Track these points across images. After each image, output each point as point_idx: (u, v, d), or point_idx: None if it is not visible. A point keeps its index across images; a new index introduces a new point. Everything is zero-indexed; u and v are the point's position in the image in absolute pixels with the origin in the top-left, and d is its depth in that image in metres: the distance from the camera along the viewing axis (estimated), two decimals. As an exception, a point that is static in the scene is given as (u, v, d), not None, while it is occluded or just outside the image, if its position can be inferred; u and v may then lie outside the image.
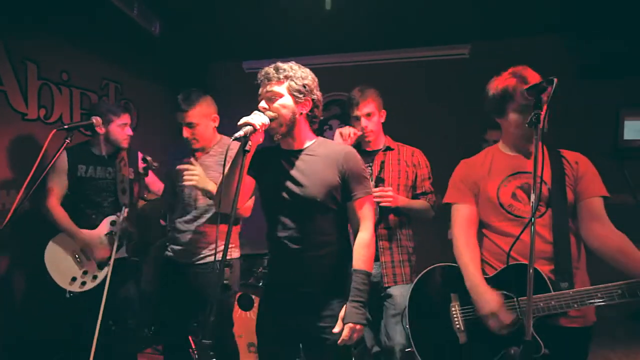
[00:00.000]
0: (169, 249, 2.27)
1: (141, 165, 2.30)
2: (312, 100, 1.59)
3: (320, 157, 1.58)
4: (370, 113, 2.19)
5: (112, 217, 2.38)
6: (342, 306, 1.54)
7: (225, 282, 2.13)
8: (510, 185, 1.53)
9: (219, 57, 4.32)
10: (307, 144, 1.63)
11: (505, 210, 1.51)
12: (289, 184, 1.56)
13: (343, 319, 1.50)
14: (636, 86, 3.66)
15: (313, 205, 1.54)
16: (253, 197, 2.07)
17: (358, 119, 2.20)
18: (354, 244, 1.60)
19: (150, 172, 2.46)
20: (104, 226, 2.37)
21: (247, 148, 1.40)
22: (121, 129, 2.42)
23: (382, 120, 2.28)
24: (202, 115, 2.13)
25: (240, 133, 1.39)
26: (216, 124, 2.25)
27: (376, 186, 2.12)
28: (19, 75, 2.61)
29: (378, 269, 2.14)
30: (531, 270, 1.06)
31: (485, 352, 1.43)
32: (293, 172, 1.57)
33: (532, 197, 1.12)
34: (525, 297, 1.25)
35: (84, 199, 2.36)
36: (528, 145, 1.53)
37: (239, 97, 3.68)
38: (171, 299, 2.27)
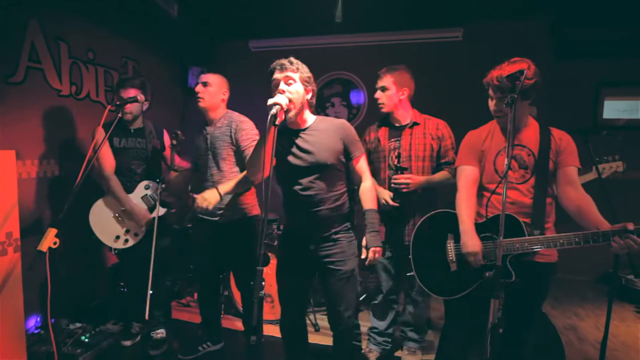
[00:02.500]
0: (197, 212, 2.58)
1: (173, 139, 2.53)
2: (313, 90, 1.95)
3: (323, 131, 1.95)
4: (385, 87, 2.47)
5: (146, 182, 2.66)
6: (349, 244, 2.00)
7: (251, 235, 2.51)
8: (505, 154, 1.82)
9: (227, 37, 4.51)
10: (310, 122, 1.98)
11: (498, 175, 1.86)
12: (302, 154, 1.92)
13: (366, 246, 1.94)
14: (615, 68, 3.95)
15: (324, 168, 1.91)
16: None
17: (376, 91, 2.52)
18: (359, 190, 2.03)
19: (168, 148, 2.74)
20: (140, 189, 2.65)
21: (277, 122, 1.71)
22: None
23: (403, 96, 2.47)
24: (216, 82, 2.51)
25: (273, 111, 1.71)
26: (225, 98, 2.57)
27: (396, 173, 2.38)
28: (53, 54, 2.85)
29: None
30: (502, 218, 1.41)
31: (470, 277, 1.84)
32: (303, 145, 1.93)
33: (505, 161, 1.45)
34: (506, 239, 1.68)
35: (119, 168, 2.62)
36: (520, 123, 1.86)
37: (246, 74, 3.91)
38: (206, 251, 2.61)
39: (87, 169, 1.86)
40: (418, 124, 2.49)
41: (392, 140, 2.51)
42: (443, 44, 4.17)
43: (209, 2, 3.60)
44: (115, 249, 2.59)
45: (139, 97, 2.39)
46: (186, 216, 3.13)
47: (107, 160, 2.55)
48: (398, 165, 2.39)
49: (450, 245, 1.93)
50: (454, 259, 1.91)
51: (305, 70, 1.90)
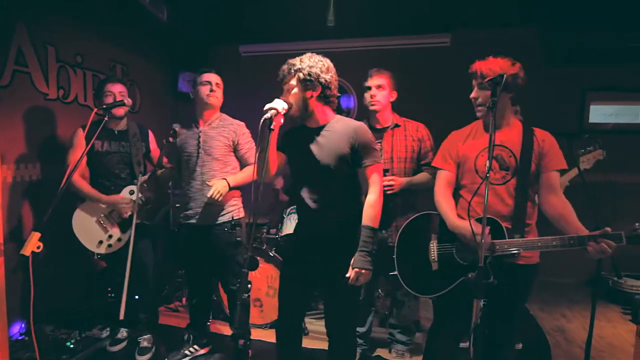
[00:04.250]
0: (182, 215, 2.58)
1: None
2: (321, 83, 1.83)
3: (336, 132, 1.87)
4: (380, 85, 2.46)
5: (130, 187, 2.63)
6: (353, 250, 1.85)
7: (238, 239, 2.51)
8: (486, 154, 1.81)
9: (218, 42, 4.52)
10: (325, 121, 1.90)
11: (479, 176, 1.87)
12: (309, 155, 1.89)
13: (352, 265, 1.81)
14: (601, 73, 4.03)
15: (328, 172, 1.85)
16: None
17: (368, 89, 2.48)
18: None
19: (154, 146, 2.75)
20: (124, 194, 2.61)
21: (272, 127, 1.71)
22: (109, 98, 2.55)
23: (392, 99, 2.50)
24: (222, 86, 2.61)
25: (267, 115, 1.70)
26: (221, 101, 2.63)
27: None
28: (40, 58, 2.83)
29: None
30: (484, 219, 1.42)
31: (450, 277, 1.86)
32: (312, 146, 1.89)
33: (487, 163, 1.47)
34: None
35: (102, 172, 2.60)
36: (502, 120, 1.86)
37: (236, 79, 3.92)
38: (193, 255, 2.61)
39: (72, 172, 1.84)
40: (399, 125, 2.52)
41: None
42: (431, 50, 4.22)
43: (198, 7, 3.61)
44: (98, 254, 2.55)
45: (126, 101, 2.38)
46: (158, 213, 3.08)
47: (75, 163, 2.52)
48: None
49: (433, 245, 1.95)
50: (436, 259, 1.92)
51: (306, 66, 1.80)
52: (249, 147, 2.54)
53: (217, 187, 2.36)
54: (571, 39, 3.82)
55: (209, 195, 2.35)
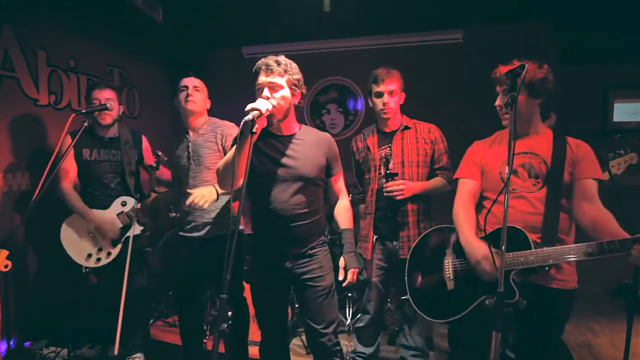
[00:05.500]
0: (184, 229, 2.42)
1: (153, 159, 2.40)
2: (302, 93, 1.81)
3: (308, 142, 1.83)
4: (393, 91, 2.26)
5: (123, 198, 2.49)
6: (325, 257, 1.89)
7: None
8: (513, 163, 1.69)
9: (219, 43, 4.40)
10: (295, 130, 1.84)
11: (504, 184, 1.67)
12: (283, 163, 1.77)
13: (345, 268, 1.87)
14: (624, 70, 3.77)
15: (304, 182, 1.78)
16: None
17: (380, 95, 2.27)
18: (335, 209, 1.98)
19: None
20: (116, 206, 2.48)
21: (254, 130, 1.52)
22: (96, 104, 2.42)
23: (401, 102, 2.35)
24: (204, 89, 2.45)
25: (249, 117, 1.53)
26: (208, 106, 2.48)
27: (387, 180, 2.19)
28: (29, 62, 2.72)
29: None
30: (504, 234, 1.21)
31: (468, 297, 1.65)
32: (287, 153, 1.78)
33: (506, 169, 1.27)
34: (509, 253, 1.52)
35: (91, 182, 2.47)
36: (529, 127, 1.69)
37: (238, 82, 3.78)
38: (187, 271, 2.43)
39: (46, 183, 1.69)
40: (409, 127, 2.32)
41: (383, 147, 2.32)
42: (443, 47, 4.01)
43: (195, 7, 3.48)
44: (87, 268, 2.41)
45: (109, 105, 2.23)
46: (161, 239, 2.93)
47: (67, 173, 2.39)
48: (387, 171, 2.20)
49: (448, 262, 1.75)
50: (451, 276, 1.72)
51: (294, 72, 1.75)
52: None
53: (199, 193, 2.12)
54: (589, 34, 3.60)
55: (187, 203, 2.12)
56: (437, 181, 2.28)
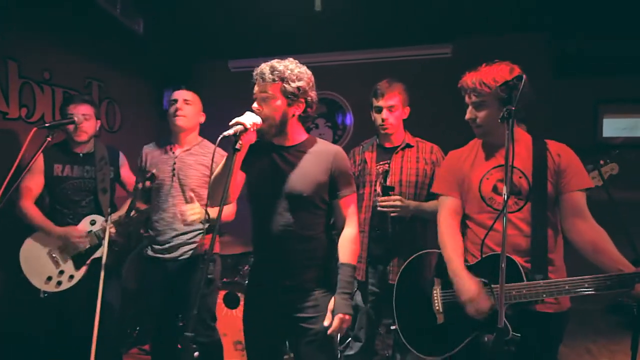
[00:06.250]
0: (150, 248, 2.28)
1: (148, 182, 2.24)
2: (306, 101, 1.59)
3: (311, 155, 1.61)
4: (393, 106, 2.16)
5: (92, 216, 2.34)
6: (325, 297, 1.59)
7: (209, 276, 2.18)
8: (492, 178, 1.56)
9: (204, 56, 4.30)
10: (298, 141, 1.65)
11: (485, 204, 1.55)
12: (277, 178, 1.59)
13: (332, 311, 1.54)
14: (614, 84, 3.73)
15: (299, 201, 1.57)
16: (235, 204, 2.15)
17: (379, 110, 2.17)
18: (337, 239, 1.66)
19: (127, 169, 2.48)
20: (84, 225, 2.32)
21: (237, 147, 1.40)
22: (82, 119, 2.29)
23: (405, 116, 2.25)
24: (197, 102, 2.32)
25: (230, 132, 1.40)
26: (202, 120, 2.36)
27: (385, 193, 2.07)
28: (-1, 73, 2.57)
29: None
30: (503, 264, 1.09)
31: (460, 332, 1.50)
32: (283, 167, 1.60)
33: (504, 189, 1.15)
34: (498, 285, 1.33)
35: (60, 199, 2.31)
36: (503, 139, 1.53)
37: (224, 96, 3.68)
38: (157, 295, 2.28)
39: (3, 199, 1.54)
40: (411, 146, 2.22)
41: (381, 163, 2.21)
42: (431, 61, 3.95)
43: (181, 19, 3.38)
44: (45, 292, 2.22)
45: (76, 119, 2.10)
46: (127, 257, 2.73)
47: (29, 191, 2.24)
48: (384, 184, 2.07)
49: (437, 292, 1.60)
50: (441, 309, 1.57)
51: (294, 78, 1.53)
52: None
53: (192, 213, 1.95)
54: (581, 47, 3.58)
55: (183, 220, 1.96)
56: (435, 204, 2.15)
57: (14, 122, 2.67)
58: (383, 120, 2.16)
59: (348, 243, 1.62)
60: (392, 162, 2.19)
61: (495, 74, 1.49)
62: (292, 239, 1.57)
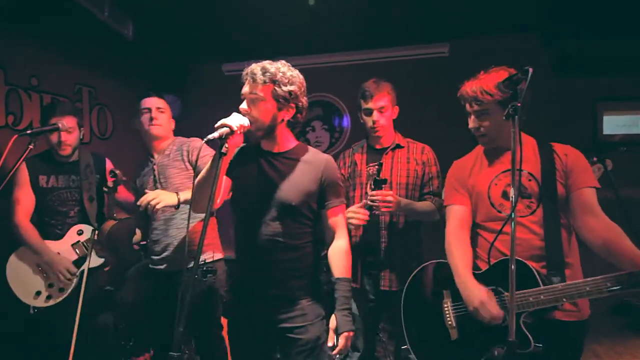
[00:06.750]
0: (150, 260, 2.23)
1: (110, 179, 2.17)
2: (296, 106, 1.54)
3: (300, 163, 1.57)
4: (383, 107, 2.09)
5: (79, 226, 2.26)
6: (311, 306, 1.57)
7: (210, 286, 2.11)
8: (501, 183, 1.52)
9: (197, 60, 4.23)
10: (288, 147, 1.61)
11: (496, 210, 1.50)
12: (265, 185, 1.54)
13: (335, 330, 1.50)
14: (613, 82, 3.70)
15: (288, 210, 1.53)
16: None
17: (369, 112, 2.09)
18: (329, 251, 1.63)
19: (121, 187, 2.33)
20: (71, 236, 2.24)
21: (223, 151, 1.34)
22: (65, 133, 2.22)
23: (395, 116, 2.18)
24: (168, 109, 2.31)
25: (215, 135, 1.35)
26: (173, 126, 2.35)
27: (376, 188, 1.96)
28: (-17, 80, 2.50)
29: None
30: (513, 266, 1.02)
31: (476, 348, 1.42)
32: (271, 174, 1.55)
33: (512, 191, 1.09)
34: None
35: (47, 211, 2.24)
36: (509, 142, 1.47)
37: (218, 100, 3.61)
38: (158, 308, 2.22)
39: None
40: (402, 147, 2.15)
41: (371, 164, 2.14)
42: (427, 61, 3.90)
43: (173, 22, 3.31)
44: (35, 308, 2.12)
45: (60, 125, 2.03)
46: (125, 274, 2.62)
47: (22, 204, 2.15)
48: (377, 177, 1.96)
49: (448, 306, 1.52)
50: (454, 324, 1.49)
51: (286, 82, 1.48)
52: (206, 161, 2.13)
53: (154, 193, 1.90)
54: (579, 46, 3.53)
55: (138, 203, 1.90)
56: (426, 205, 2.08)
57: (0, 130, 2.60)
58: (374, 122, 2.09)
59: (341, 256, 1.59)
60: (383, 163, 2.11)
61: (495, 80, 1.45)
62: (279, 248, 1.53)
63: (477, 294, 1.41)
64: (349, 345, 1.50)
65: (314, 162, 1.58)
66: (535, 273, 1.35)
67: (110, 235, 2.16)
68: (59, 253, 2.17)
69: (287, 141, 1.61)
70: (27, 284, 2.14)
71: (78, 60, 3.19)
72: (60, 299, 2.17)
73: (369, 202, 1.93)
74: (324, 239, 1.66)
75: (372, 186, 1.97)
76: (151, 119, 2.17)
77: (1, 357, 2.41)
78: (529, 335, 1.26)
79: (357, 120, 2.24)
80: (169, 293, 2.13)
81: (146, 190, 2.10)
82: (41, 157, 2.29)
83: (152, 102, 2.22)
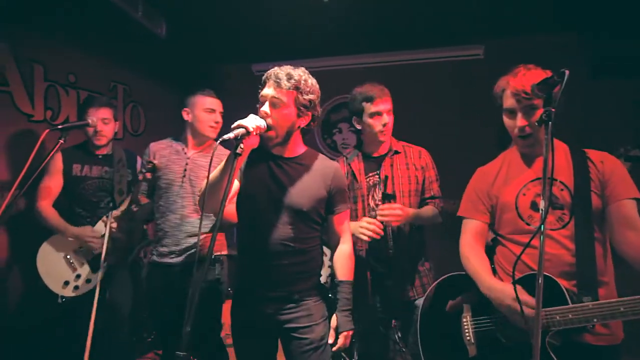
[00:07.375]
0: (155, 253, 2.23)
1: (147, 166, 2.20)
2: (313, 115, 1.58)
3: (311, 169, 1.60)
4: (390, 109, 2.04)
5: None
6: (317, 305, 1.61)
7: (217, 277, 2.12)
8: (530, 193, 1.42)
9: (227, 59, 4.28)
10: (298, 153, 1.63)
11: (524, 222, 1.41)
12: (276, 190, 1.56)
13: (336, 329, 1.58)
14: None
15: (297, 214, 1.56)
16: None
17: (378, 114, 2.01)
18: (334, 255, 1.68)
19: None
20: (100, 227, 2.30)
21: (238, 151, 1.34)
22: (101, 123, 2.32)
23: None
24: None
25: (230, 135, 1.34)
26: None
27: (387, 200, 1.93)
28: (24, 76, 2.61)
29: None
30: (540, 280, 0.95)
31: None
32: (282, 179, 1.56)
33: (542, 202, 1.01)
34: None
35: (78, 200, 2.32)
36: (540, 145, 1.39)
37: (248, 99, 3.62)
38: (164, 302, 2.23)
39: (15, 198, 1.53)
40: (399, 152, 2.09)
41: (370, 174, 2.07)
42: (462, 63, 3.78)
43: (204, 22, 3.36)
44: (63, 297, 2.20)
45: (90, 121, 2.11)
46: (129, 256, 2.67)
47: (48, 191, 2.23)
48: (385, 192, 1.94)
49: (467, 320, 1.44)
50: (473, 340, 1.41)
51: (308, 90, 1.52)
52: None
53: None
54: (619, 46, 3.32)
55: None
56: (430, 210, 2.04)
57: (39, 125, 2.70)
58: (384, 125, 2.01)
59: (344, 259, 1.66)
60: (382, 172, 2.04)
61: (541, 77, 1.32)
62: (289, 253, 1.55)
63: (507, 292, 1.30)
64: (347, 344, 1.58)
65: (324, 169, 1.62)
66: (564, 290, 1.25)
67: (131, 219, 2.26)
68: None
69: (297, 146, 1.63)
70: (56, 274, 2.22)
71: (113, 58, 3.30)
72: (88, 289, 2.25)
73: (378, 218, 1.88)
74: (327, 242, 1.73)
75: (380, 202, 1.96)
76: (216, 122, 2.24)
77: (30, 343, 2.51)
78: (554, 358, 1.17)
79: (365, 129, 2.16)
80: (177, 285, 2.14)
81: (170, 176, 2.17)
82: (77, 148, 2.41)
83: (216, 105, 2.27)
